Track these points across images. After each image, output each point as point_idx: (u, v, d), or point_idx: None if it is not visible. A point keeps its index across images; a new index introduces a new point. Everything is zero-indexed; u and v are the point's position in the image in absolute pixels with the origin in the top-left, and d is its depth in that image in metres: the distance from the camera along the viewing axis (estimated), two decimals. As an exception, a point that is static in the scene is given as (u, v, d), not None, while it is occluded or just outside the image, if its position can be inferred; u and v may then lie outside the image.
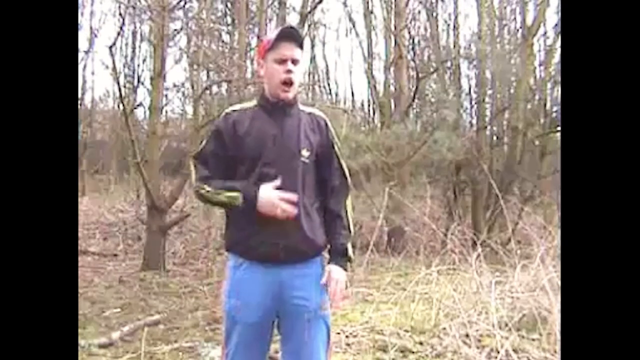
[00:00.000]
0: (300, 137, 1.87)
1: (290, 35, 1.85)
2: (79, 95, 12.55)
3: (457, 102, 8.54)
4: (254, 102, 1.97)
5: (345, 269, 1.94)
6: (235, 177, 1.87)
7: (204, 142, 1.94)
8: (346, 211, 1.97)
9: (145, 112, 11.84)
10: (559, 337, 3.14)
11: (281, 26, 1.90)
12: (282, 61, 1.84)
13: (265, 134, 1.85)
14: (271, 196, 1.77)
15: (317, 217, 1.92)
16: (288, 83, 1.85)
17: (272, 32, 1.90)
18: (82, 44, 12.38)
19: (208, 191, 1.83)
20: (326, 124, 1.97)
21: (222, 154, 1.89)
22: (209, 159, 1.90)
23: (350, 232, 1.96)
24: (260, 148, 1.83)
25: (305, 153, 1.86)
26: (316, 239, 1.89)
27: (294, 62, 1.86)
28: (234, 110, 1.94)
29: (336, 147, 1.98)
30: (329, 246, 1.94)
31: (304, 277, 1.87)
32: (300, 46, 1.88)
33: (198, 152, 1.94)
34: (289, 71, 1.84)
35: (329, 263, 1.91)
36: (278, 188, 1.80)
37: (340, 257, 1.92)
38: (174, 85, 11.00)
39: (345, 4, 12.68)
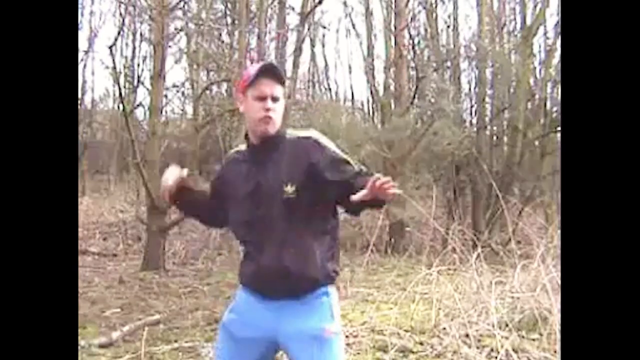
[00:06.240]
0: (281, 175, 1.78)
1: (270, 72, 1.79)
2: (79, 95, 12.53)
3: (457, 100, 8.54)
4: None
5: None
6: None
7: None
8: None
9: (145, 112, 11.84)
10: (559, 337, 3.14)
11: (262, 63, 1.84)
12: (262, 98, 1.78)
13: (240, 182, 1.85)
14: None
15: (319, 247, 1.81)
16: (267, 119, 1.79)
17: (252, 68, 1.84)
18: (82, 44, 12.39)
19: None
20: (317, 143, 1.82)
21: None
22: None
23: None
24: (237, 197, 1.84)
25: (289, 189, 1.76)
26: (318, 275, 1.80)
27: (274, 99, 1.79)
28: (237, 152, 1.97)
29: (337, 156, 1.81)
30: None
31: (306, 305, 1.80)
32: (281, 83, 1.82)
33: None
34: (268, 109, 1.77)
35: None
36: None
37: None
38: (174, 85, 11.03)
39: (345, 4, 12.66)
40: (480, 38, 8.95)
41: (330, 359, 1.80)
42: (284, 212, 1.76)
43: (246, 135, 1.90)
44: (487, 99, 9.44)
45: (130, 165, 11.14)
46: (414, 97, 8.59)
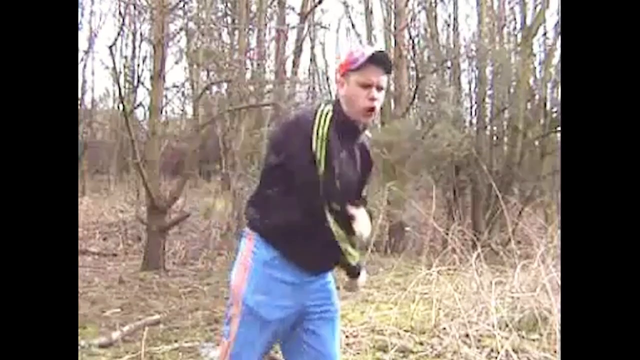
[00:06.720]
0: (359, 165, 1.91)
1: (379, 60, 1.75)
2: (79, 95, 12.52)
3: (456, 101, 8.54)
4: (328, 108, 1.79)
5: None
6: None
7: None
8: None
9: (145, 112, 11.84)
10: (559, 337, 3.14)
11: (372, 48, 1.78)
12: (367, 86, 1.75)
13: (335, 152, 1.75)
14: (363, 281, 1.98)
15: None
16: (371, 110, 1.78)
17: (357, 49, 1.80)
18: (82, 44, 12.37)
19: (337, 220, 1.74)
20: (368, 152, 1.99)
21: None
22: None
23: None
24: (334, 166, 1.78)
25: (359, 179, 1.91)
26: None
27: (379, 88, 1.77)
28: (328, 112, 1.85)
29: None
30: None
31: (327, 280, 1.94)
32: (388, 72, 1.80)
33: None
34: (373, 99, 1.75)
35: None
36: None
37: None
38: (174, 85, 11.03)
39: (345, 4, 12.64)
40: (480, 38, 8.94)
41: (338, 335, 1.96)
42: (353, 199, 1.85)
43: (338, 112, 1.80)
44: (487, 99, 9.43)
45: (130, 165, 11.14)
46: (414, 97, 8.59)
